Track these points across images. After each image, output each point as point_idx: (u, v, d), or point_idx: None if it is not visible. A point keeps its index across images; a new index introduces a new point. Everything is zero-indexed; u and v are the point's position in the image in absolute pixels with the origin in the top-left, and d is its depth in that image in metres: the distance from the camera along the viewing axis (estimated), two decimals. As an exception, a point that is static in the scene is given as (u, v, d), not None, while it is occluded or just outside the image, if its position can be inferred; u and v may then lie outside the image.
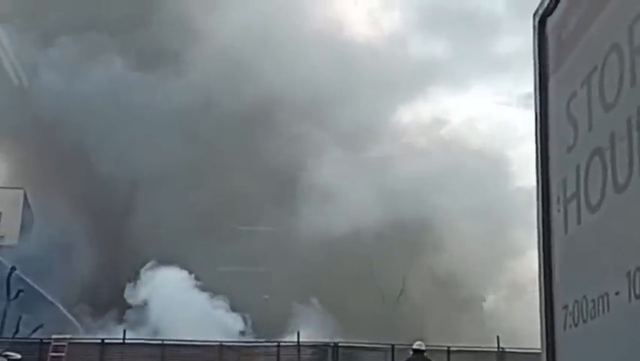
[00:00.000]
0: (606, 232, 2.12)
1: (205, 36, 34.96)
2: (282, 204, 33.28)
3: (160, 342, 25.45)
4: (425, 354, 18.00)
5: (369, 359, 25.95)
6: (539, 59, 2.75)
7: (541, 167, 2.61)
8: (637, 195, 1.96)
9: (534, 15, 2.85)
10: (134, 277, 29.67)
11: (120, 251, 32.11)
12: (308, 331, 26.82)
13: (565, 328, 2.35)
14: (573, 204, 2.36)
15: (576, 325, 2.26)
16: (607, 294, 2.06)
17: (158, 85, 33.68)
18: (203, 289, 29.16)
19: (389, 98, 38.18)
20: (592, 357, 2.17)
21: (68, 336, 24.97)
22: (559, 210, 2.48)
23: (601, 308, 2.10)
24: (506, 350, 26.06)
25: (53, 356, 23.56)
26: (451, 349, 25.75)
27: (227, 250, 30.85)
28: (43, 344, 24.33)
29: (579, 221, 2.32)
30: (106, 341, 25.47)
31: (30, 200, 33.39)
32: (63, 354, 23.76)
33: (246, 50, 34.42)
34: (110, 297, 30.18)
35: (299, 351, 25.70)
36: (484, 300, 36.63)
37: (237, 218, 33.07)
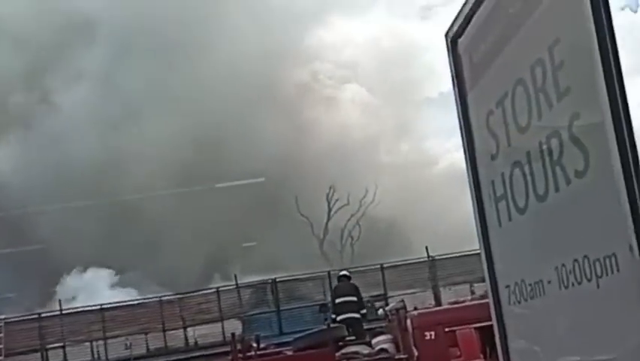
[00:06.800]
0: (534, 232, 2.65)
1: None
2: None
3: (99, 307, 25.08)
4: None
5: (307, 289, 26.70)
6: (456, 75, 3.21)
7: (472, 169, 3.12)
8: (555, 207, 2.47)
9: (445, 35, 3.28)
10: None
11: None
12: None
13: (509, 303, 2.91)
14: (503, 203, 2.87)
15: (519, 302, 2.82)
16: (541, 281, 2.60)
17: None
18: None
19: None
20: (533, 330, 2.74)
21: (2, 316, 23.76)
22: (491, 206, 3.00)
23: (537, 292, 2.64)
24: (436, 258, 27.06)
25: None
26: (384, 265, 26.65)
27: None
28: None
29: (510, 218, 2.83)
30: (43, 314, 24.95)
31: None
32: (1, 335, 22.75)
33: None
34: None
35: (239, 293, 26.16)
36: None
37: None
